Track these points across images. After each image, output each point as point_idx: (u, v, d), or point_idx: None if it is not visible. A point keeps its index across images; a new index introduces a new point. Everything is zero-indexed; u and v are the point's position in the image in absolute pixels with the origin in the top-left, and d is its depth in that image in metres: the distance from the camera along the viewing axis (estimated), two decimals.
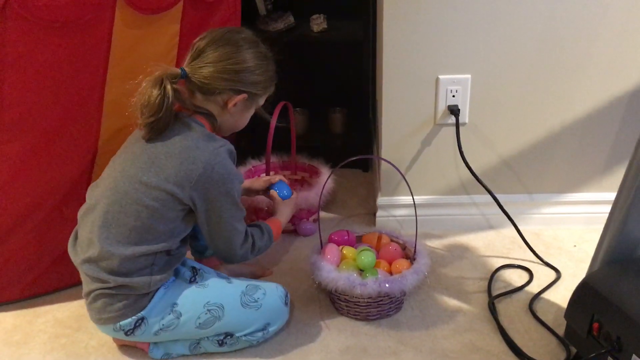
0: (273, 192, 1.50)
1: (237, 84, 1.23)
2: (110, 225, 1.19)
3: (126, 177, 1.20)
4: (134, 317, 1.21)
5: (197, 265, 1.32)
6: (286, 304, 1.31)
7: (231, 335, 1.25)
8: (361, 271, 1.37)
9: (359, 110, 2.16)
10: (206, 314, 1.23)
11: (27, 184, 1.38)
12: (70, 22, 1.27)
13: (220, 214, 1.22)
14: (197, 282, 1.27)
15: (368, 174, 2.13)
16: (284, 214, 1.47)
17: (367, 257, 1.37)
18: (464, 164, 1.65)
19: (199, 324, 1.22)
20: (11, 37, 1.22)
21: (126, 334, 1.22)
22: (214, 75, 1.21)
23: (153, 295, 1.22)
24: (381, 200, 1.76)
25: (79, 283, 1.49)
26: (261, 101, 1.32)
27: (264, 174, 1.86)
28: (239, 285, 1.28)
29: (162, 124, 1.19)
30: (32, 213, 1.41)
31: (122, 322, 1.21)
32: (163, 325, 1.22)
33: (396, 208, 1.75)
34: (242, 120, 1.32)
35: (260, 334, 1.27)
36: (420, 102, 1.64)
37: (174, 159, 1.18)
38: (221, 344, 1.26)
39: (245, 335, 1.26)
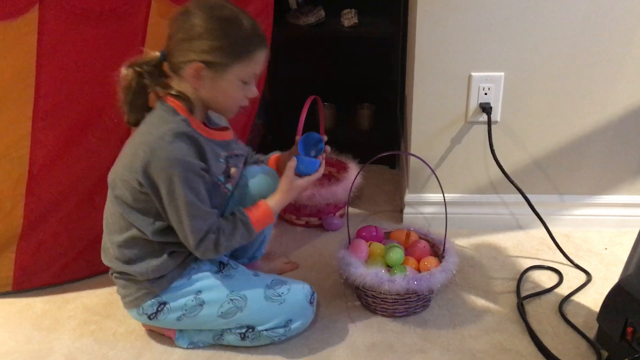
0: (291, 163, 1.27)
1: (188, 54, 1.13)
2: (107, 215, 1.24)
3: (113, 167, 1.22)
4: (154, 301, 1.23)
5: (225, 260, 1.31)
6: (311, 302, 1.28)
7: (253, 328, 1.24)
8: (389, 268, 1.36)
9: (387, 107, 2.15)
10: (229, 303, 1.23)
11: (60, 172, 1.40)
12: (107, 12, 1.28)
13: (169, 204, 1.14)
14: (223, 273, 1.27)
15: (395, 171, 2.12)
16: (278, 200, 1.26)
17: (395, 253, 1.36)
18: (493, 163, 1.63)
19: (221, 312, 1.23)
20: (49, 25, 1.24)
21: (149, 317, 1.24)
22: (172, 50, 1.15)
23: (172, 282, 1.23)
24: (409, 197, 1.75)
25: (106, 271, 1.52)
26: (238, 71, 1.15)
27: None
28: (264, 278, 1.28)
29: (130, 110, 1.19)
30: (64, 201, 1.43)
31: (144, 305, 1.24)
32: (185, 311, 1.23)
33: (424, 205, 1.74)
34: (224, 95, 1.18)
35: (282, 330, 1.25)
36: (452, 99, 1.62)
37: (130, 147, 1.17)
38: (243, 337, 1.26)
39: (266, 330, 1.24)
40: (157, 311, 1.24)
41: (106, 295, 1.46)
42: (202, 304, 1.23)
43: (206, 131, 1.20)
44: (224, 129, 1.27)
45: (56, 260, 1.47)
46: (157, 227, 1.19)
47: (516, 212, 1.72)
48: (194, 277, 1.25)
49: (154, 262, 1.21)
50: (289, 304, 1.25)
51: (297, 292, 1.27)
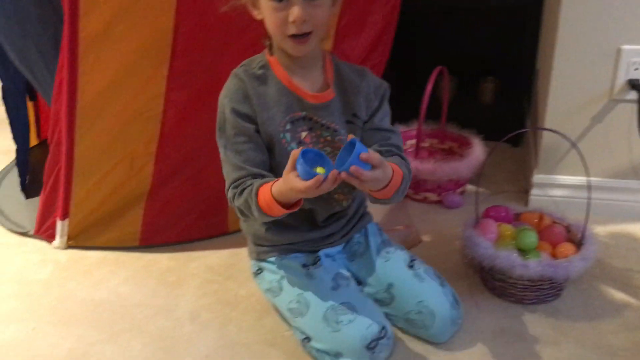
0: (294, 152, 1.00)
1: None
2: None
3: None
4: (255, 263, 1.25)
5: (323, 254, 1.23)
6: (369, 348, 1.08)
7: (309, 339, 1.14)
8: (520, 251, 1.28)
9: (512, 81, 2.02)
10: (297, 302, 1.16)
11: (189, 132, 1.42)
12: None
13: None
14: (309, 270, 1.21)
15: (518, 149, 2.00)
16: (277, 186, 1.04)
17: (529, 237, 1.27)
18: (637, 145, 1.49)
19: (289, 308, 1.18)
20: None
21: (254, 274, 1.27)
22: None
23: (267, 255, 1.23)
24: (537, 178, 1.64)
25: (229, 233, 1.55)
26: None
27: (414, 141, 1.80)
28: (336, 297, 1.14)
29: None
30: (192, 160, 1.46)
31: (251, 261, 1.26)
32: (270, 287, 1.22)
33: (554, 188, 1.63)
34: (268, 22, 1.08)
35: (328, 358, 1.11)
36: (596, 74, 1.49)
37: None
38: (302, 343, 1.17)
39: (317, 349, 1.13)
40: (256, 273, 1.26)
41: (227, 257, 1.48)
42: (281, 288, 1.21)
43: (286, 78, 1.13)
44: (324, 88, 1.15)
45: (181, 218, 1.51)
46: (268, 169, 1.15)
47: None
48: (285, 260, 1.23)
49: (257, 227, 1.21)
50: (342, 336, 1.09)
51: (356, 328, 1.09)
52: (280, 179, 1.02)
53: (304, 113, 1.14)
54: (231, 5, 1.11)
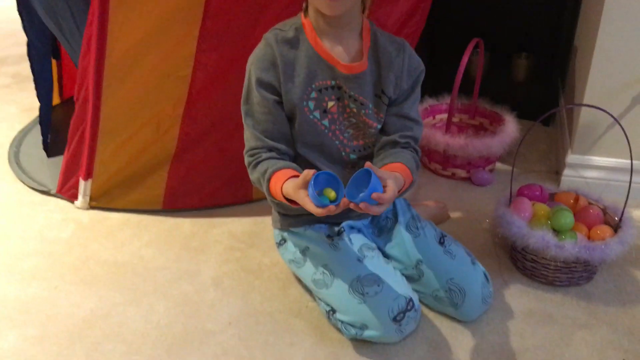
0: (307, 173, 0.97)
1: None
2: None
3: None
4: (279, 232, 1.23)
5: (348, 226, 1.20)
6: (396, 320, 1.07)
7: (334, 311, 1.12)
8: (555, 232, 1.24)
9: (547, 58, 1.96)
10: (321, 274, 1.14)
11: (217, 97, 1.39)
12: None
13: None
14: (333, 241, 1.17)
15: (549, 129, 1.94)
16: (289, 188, 1.01)
17: (565, 217, 1.24)
18: None
19: (313, 279, 1.15)
20: None
21: (278, 245, 1.24)
22: None
23: (291, 226, 1.20)
24: (571, 158, 1.59)
25: (252, 200, 1.52)
26: None
27: (444, 115, 1.76)
28: (362, 268, 1.12)
29: None
30: (218, 126, 1.42)
31: (274, 230, 1.24)
32: (294, 258, 1.20)
33: (588, 169, 1.58)
34: None
35: (354, 330, 1.09)
36: None
37: None
38: (327, 316, 1.15)
39: (342, 321, 1.11)
40: (280, 243, 1.24)
41: (251, 225, 1.45)
42: (305, 260, 1.18)
43: (319, 45, 1.08)
44: (358, 58, 1.10)
45: (205, 184, 1.48)
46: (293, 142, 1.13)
47: None
48: (309, 231, 1.19)
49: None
50: (368, 308, 1.07)
51: (383, 300, 1.07)
52: (292, 183, 1.00)
53: (333, 82, 1.10)
54: None
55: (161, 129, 1.40)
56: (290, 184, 1.01)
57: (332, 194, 0.97)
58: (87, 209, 1.50)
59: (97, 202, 1.49)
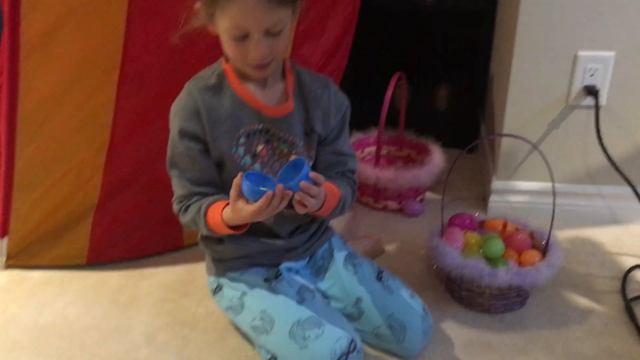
0: (236, 180, 0.97)
1: None
2: None
3: None
4: (214, 279, 1.19)
5: (283, 269, 1.18)
6: None
7: (275, 358, 1.08)
8: (487, 259, 1.26)
9: (466, 87, 2.03)
10: (260, 320, 1.10)
11: (140, 142, 1.34)
12: None
13: None
14: (271, 284, 1.15)
15: (473, 155, 2.00)
16: (227, 213, 1.01)
17: (495, 244, 1.26)
18: (593, 151, 1.51)
19: (252, 326, 1.11)
20: None
21: (213, 292, 1.20)
22: None
23: (227, 271, 1.17)
24: (496, 184, 1.64)
25: (183, 247, 1.47)
26: (220, 20, 0.97)
27: (372, 148, 1.78)
28: (302, 312, 1.08)
29: None
30: (144, 170, 1.37)
31: (209, 278, 1.20)
32: (231, 305, 1.16)
33: (513, 194, 1.63)
34: (225, 47, 1.02)
35: None
36: (553, 80, 1.50)
37: None
38: None
39: None
40: (215, 290, 1.20)
41: (182, 273, 1.40)
42: (242, 306, 1.14)
43: (243, 90, 1.06)
44: (284, 99, 1.09)
45: (132, 233, 1.42)
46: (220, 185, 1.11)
47: (614, 205, 1.59)
48: (245, 276, 1.16)
49: (214, 244, 1.16)
50: (310, 353, 1.03)
51: (325, 343, 1.03)
52: (229, 207, 0.99)
53: (261, 125, 1.09)
54: (183, 31, 1.04)
55: (82, 178, 1.33)
56: (227, 208, 1.00)
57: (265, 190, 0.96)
58: (4, 269, 1.40)
59: (15, 261, 1.40)
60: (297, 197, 0.97)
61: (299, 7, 1.02)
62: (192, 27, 1.03)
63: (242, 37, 0.97)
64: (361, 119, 1.82)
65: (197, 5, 1.00)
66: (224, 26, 0.98)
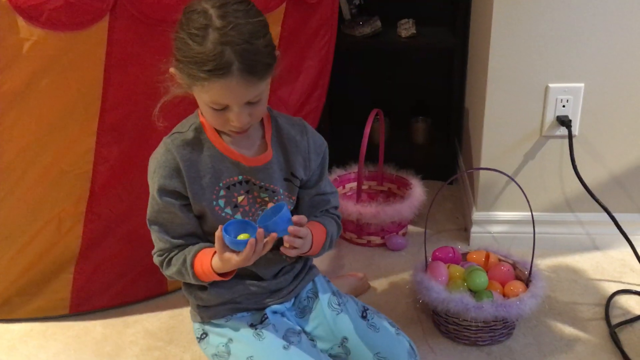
0: (217, 233, 0.97)
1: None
2: None
3: None
4: (199, 327, 1.17)
5: (268, 313, 1.16)
6: None
7: None
8: (471, 292, 1.27)
9: (443, 121, 2.06)
10: None
11: (121, 190, 1.34)
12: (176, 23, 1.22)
13: None
14: (257, 329, 1.13)
15: (453, 187, 2.03)
16: (216, 262, 1.02)
17: (479, 277, 1.28)
18: (569, 179, 1.54)
19: None
20: (118, 36, 1.18)
21: (198, 339, 1.17)
22: None
23: (212, 318, 1.15)
24: (477, 215, 1.66)
25: (167, 292, 1.46)
26: (198, 93, 0.98)
27: (353, 184, 1.79)
28: (290, 356, 1.07)
29: None
30: (124, 220, 1.37)
31: (194, 324, 1.18)
32: (217, 352, 1.14)
33: (493, 224, 1.65)
34: (204, 110, 1.01)
35: None
36: (526, 112, 1.54)
37: None
38: None
39: None
40: (201, 337, 1.17)
41: (167, 319, 1.39)
42: (229, 352, 1.12)
43: (221, 143, 1.06)
44: (262, 148, 1.10)
45: (115, 281, 1.41)
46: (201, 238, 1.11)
47: (592, 232, 1.62)
48: (231, 322, 1.15)
49: (198, 291, 1.14)
50: None
51: None
52: (216, 258, 1.01)
53: (241, 177, 1.09)
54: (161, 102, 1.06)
55: (63, 228, 1.32)
56: (216, 258, 1.01)
57: (246, 236, 0.97)
58: None
59: None
60: (286, 241, 0.98)
61: (276, 70, 1.03)
62: (171, 97, 1.04)
63: (222, 108, 0.98)
64: (341, 156, 1.85)
65: (172, 70, 1.00)
66: (202, 99, 0.98)
